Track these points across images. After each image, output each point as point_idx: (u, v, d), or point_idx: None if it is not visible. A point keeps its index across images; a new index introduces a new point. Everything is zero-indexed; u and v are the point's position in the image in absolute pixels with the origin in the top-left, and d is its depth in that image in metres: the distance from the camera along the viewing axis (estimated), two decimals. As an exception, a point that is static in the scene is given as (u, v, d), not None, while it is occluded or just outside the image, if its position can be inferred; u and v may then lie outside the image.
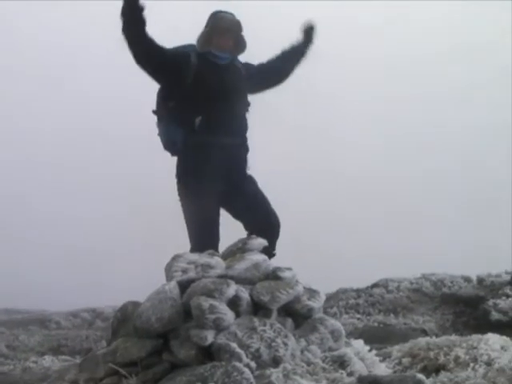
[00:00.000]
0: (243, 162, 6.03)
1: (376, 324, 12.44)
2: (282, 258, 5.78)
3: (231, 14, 5.99)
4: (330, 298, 14.67)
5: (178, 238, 5.90)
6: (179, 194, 5.86)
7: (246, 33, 5.95)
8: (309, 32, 6.27)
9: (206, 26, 5.96)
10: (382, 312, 13.44)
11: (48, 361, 10.68)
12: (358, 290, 14.93)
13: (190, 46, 5.99)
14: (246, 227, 5.86)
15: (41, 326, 18.79)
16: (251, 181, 6.01)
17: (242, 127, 6.00)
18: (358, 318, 13.01)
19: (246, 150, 6.05)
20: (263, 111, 6.25)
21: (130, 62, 5.72)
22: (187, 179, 5.80)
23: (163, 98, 5.95)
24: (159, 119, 6.01)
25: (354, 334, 10.31)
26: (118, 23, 5.61)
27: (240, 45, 6.00)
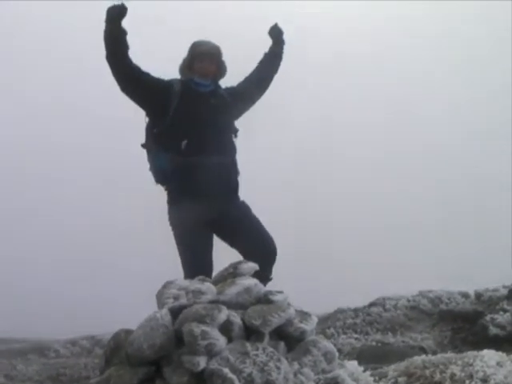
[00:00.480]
0: (234, 183, 6.06)
1: (374, 343, 12.41)
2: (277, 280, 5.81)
3: (209, 41, 6.13)
4: (328, 318, 14.66)
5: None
6: (170, 221, 5.88)
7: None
8: (277, 34, 6.34)
9: (187, 55, 6.09)
10: (380, 331, 13.40)
11: (46, 390, 10.66)
12: (355, 310, 14.89)
13: (173, 79, 6.05)
14: (243, 254, 5.86)
15: (39, 355, 18.68)
16: (244, 207, 6.03)
17: (230, 149, 6.04)
18: (356, 338, 12.96)
19: (236, 172, 6.08)
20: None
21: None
22: (178, 204, 5.82)
23: (150, 127, 6.00)
24: (148, 152, 6.04)
25: (352, 354, 10.31)
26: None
27: (221, 69, 6.11)
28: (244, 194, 6.17)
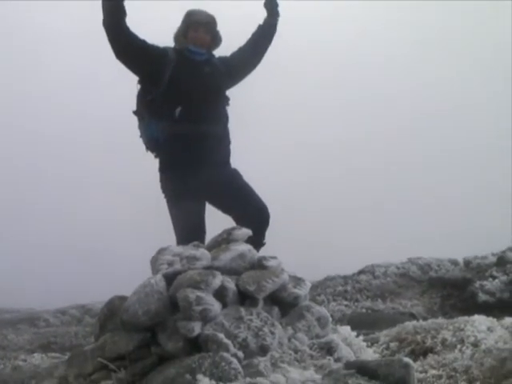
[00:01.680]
0: (226, 152, 6.05)
1: (364, 310, 12.51)
2: (269, 247, 5.82)
3: (204, 10, 6.07)
4: (318, 285, 14.73)
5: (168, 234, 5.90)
6: (162, 189, 5.87)
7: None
8: (272, 5, 6.30)
9: (181, 23, 6.05)
10: (370, 298, 13.51)
11: (37, 358, 10.66)
12: (345, 277, 14.99)
13: (168, 47, 6.01)
14: (236, 220, 5.87)
15: (30, 325, 18.70)
16: (236, 174, 6.03)
17: (223, 119, 6.03)
18: (346, 305, 13.07)
19: (229, 141, 6.07)
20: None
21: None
22: (170, 172, 5.80)
23: (142, 94, 5.95)
24: (140, 120, 6.01)
25: (343, 320, 10.38)
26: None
27: (215, 39, 6.07)
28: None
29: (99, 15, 5.58)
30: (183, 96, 5.77)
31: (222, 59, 6.14)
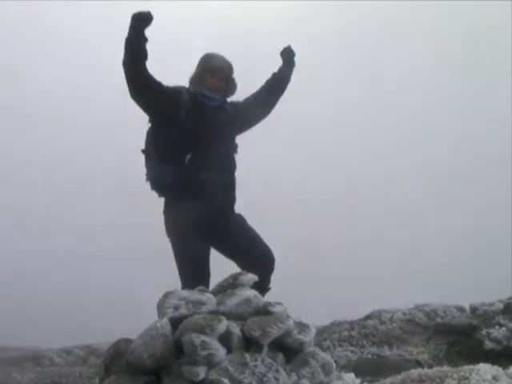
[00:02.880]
0: (232, 198, 6.09)
1: (370, 356, 12.45)
2: (273, 292, 5.84)
3: (222, 55, 6.11)
4: (324, 330, 14.69)
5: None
6: (167, 231, 5.88)
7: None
8: (288, 56, 6.38)
9: (198, 67, 6.08)
10: (376, 344, 13.44)
11: (41, 399, 10.68)
12: (351, 322, 14.93)
13: (183, 87, 6.07)
14: (240, 265, 5.89)
15: (34, 363, 18.68)
16: (241, 219, 6.06)
17: (231, 166, 6.06)
18: (352, 351, 13.00)
19: (234, 188, 6.11)
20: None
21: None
22: (175, 216, 5.82)
23: (153, 134, 6.00)
24: (148, 159, 6.05)
25: (348, 366, 10.35)
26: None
27: (231, 87, 6.10)
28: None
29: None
30: (194, 142, 5.82)
31: (235, 106, 6.17)
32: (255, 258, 5.82)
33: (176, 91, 5.95)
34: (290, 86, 6.37)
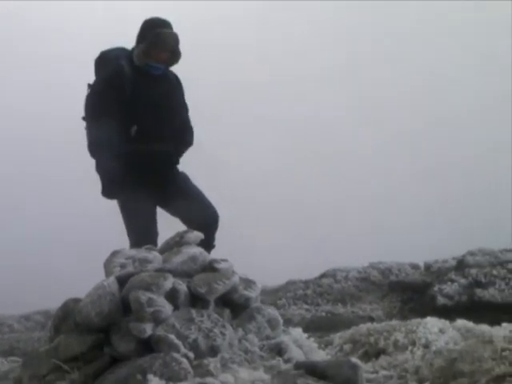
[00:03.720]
0: (175, 163, 6.10)
1: (324, 314, 12.61)
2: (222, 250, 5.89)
3: (169, 23, 5.97)
4: (279, 289, 14.80)
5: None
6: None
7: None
8: None
9: (143, 39, 5.94)
10: (331, 302, 13.60)
11: (-3, 363, 10.63)
12: (306, 282, 15.04)
13: (121, 50, 6.00)
14: (185, 223, 5.93)
15: (-7, 330, 18.62)
16: (184, 177, 6.08)
17: (177, 133, 6.02)
18: (307, 309, 13.14)
19: (178, 156, 6.11)
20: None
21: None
22: (121, 181, 5.81)
23: (96, 105, 5.90)
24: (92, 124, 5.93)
25: (301, 324, 10.45)
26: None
27: (175, 57, 6.01)
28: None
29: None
30: (140, 113, 5.80)
31: (177, 79, 6.17)
32: (200, 216, 5.85)
33: (118, 73, 5.87)
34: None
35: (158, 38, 5.89)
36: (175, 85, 6.10)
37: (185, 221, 5.94)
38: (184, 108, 6.19)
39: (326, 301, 13.70)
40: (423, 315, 8.64)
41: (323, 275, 15.16)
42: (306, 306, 13.35)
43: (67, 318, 4.73)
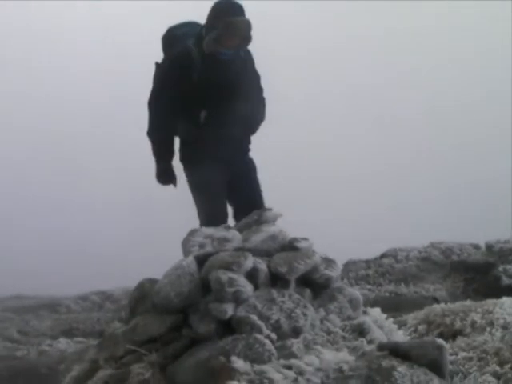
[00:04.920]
0: (245, 152, 5.98)
1: (387, 294, 12.48)
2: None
3: (240, 8, 5.68)
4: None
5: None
6: (186, 175, 5.80)
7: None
8: None
9: (213, 27, 5.67)
10: (393, 282, 13.47)
11: (63, 343, 10.72)
12: (367, 261, 14.92)
13: (189, 27, 5.84)
14: (234, 209, 5.84)
15: (51, 311, 18.83)
16: (250, 168, 5.95)
17: (248, 120, 5.87)
18: (369, 289, 13.03)
19: (248, 142, 5.99)
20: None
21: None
22: (192, 163, 5.74)
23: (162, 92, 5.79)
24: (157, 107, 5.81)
25: (366, 304, 10.33)
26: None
27: (246, 42, 5.76)
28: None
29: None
30: (207, 99, 5.66)
31: (247, 53, 5.94)
32: (247, 204, 5.71)
33: (185, 56, 5.70)
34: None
35: (230, 28, 5.61)
36: (244, 62, 5.90)
37: (234, 206, 5.86)
38: (255, 81, 5.99)
39: (388, 281, 13.57)
40: (488, 296, 8.49)
41: (384, 255, 15.03)
42: (368, 286, 13.24)
43: (144, 298, 4.68)
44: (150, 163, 5.82)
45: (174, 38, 5.87)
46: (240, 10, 5.65)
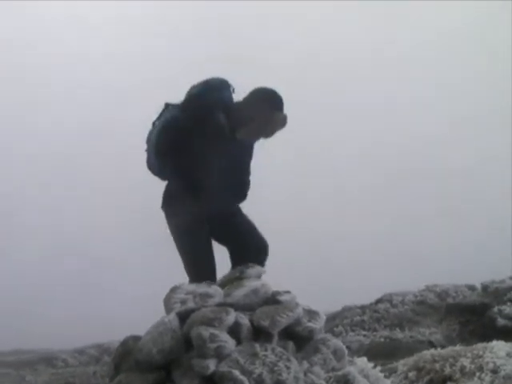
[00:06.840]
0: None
1: (382, 339, 12.44)
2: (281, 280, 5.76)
3: (281, 101, 5.51)
4: (335, 316, 14.69)
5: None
6: (169, 224, 5.75)
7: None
8: None
9: (253, 116, 5.48)
10: (388, 327, 13.45)
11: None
12: (362, 307, 14.92)
13: (223, 92, 5.70)
14: (234, 251, 5.77)
15: (47, 365, 18.72)
16: (237, 209, 5.94)
17: (241, 193, 5.87)
18: (364, 335, 13.01)
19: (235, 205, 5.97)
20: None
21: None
22: (177, 206, 5.68)
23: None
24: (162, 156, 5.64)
25: (361, 351, 10.33)
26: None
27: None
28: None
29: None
30: (209, 169, 5.58)
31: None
32: (249, 242, 5.68)
33: (212, 125, 5.49)
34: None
35: (271, 125, 5.51)
36: (248, 146, 5.86)
37: (234, 249, 5.78)
38: (249, 169, 5.96)
39: (384, 326, 13.55)
40: (484, 337, 8.48)
41: (379, 300, 15.04)
42: (363, 332, 13.22)
43: (127, 355, 4.66)
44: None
45: (205, 99, 5.59)
46: (282, 104, 5.52)
